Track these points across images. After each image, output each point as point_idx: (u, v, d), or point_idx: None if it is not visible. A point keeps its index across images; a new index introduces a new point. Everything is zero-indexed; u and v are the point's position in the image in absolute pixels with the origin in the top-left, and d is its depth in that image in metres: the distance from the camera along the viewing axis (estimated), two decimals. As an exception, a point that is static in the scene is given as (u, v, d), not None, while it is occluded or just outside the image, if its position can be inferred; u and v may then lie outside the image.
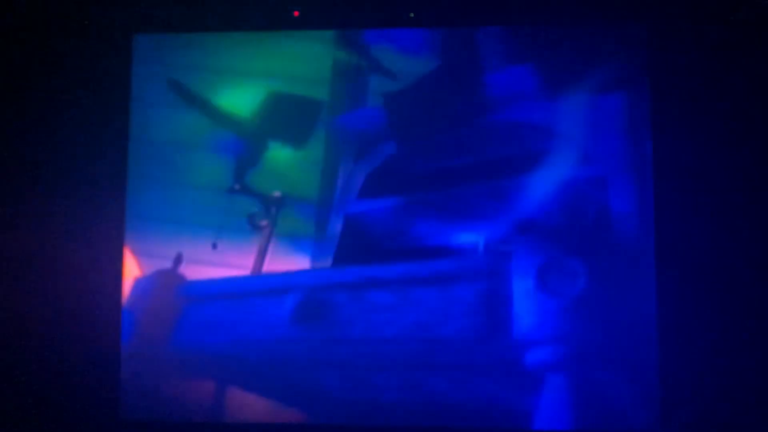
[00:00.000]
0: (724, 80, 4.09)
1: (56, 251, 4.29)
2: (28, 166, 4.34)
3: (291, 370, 4.22)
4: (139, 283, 4.33)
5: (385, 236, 4.24)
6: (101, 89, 4.35)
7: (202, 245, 4.32)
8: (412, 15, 4.33)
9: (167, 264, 4.33)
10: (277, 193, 4.32)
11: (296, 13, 4.37)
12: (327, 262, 4.26)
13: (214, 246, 4.32)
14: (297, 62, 4.35)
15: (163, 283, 4.32)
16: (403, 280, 4.20)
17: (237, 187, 4.34)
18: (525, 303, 4.10)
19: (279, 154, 4.36)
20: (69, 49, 4.36)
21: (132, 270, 4.32)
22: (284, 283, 4.26)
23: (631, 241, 4.09)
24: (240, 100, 4.38)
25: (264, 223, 4.31)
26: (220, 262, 4.31)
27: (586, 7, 4.19)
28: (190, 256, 4.33)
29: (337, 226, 4.28)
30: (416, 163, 4.26)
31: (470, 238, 4.18)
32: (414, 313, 4.17)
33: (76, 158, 4.33)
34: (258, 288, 4.29)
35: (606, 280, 4.09)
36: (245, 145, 4.37)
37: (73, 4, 4.36)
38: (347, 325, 4.20)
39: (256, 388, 4.24)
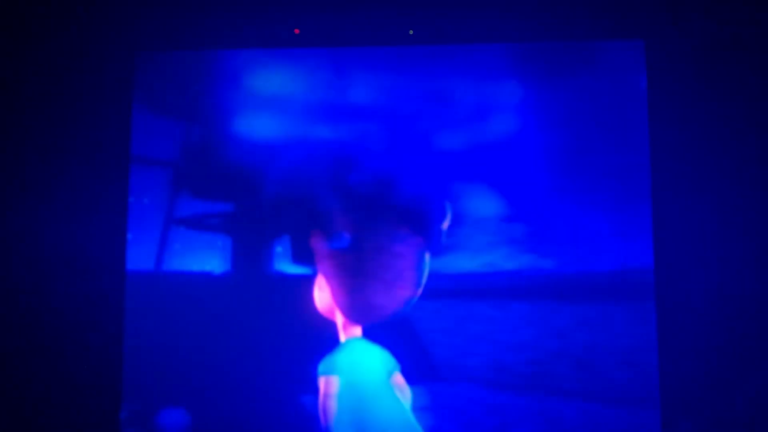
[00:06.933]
0: (722, 96, 4.10)
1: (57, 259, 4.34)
2: (29, 180, 4.37)
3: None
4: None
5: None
6: (103, 105, 4.39)
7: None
8: (411, 32, 4.37)
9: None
10: None
11: (297, 31, 4.42)
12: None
13: None
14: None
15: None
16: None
17: None
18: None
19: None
20: (71, 65, 4.41)
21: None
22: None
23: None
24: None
25: None
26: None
27: (582, 23, 4.22)
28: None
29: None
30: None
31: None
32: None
33: (77, 175, 4.36)
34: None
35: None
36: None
37: (76, 21, 4.41)
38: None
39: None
